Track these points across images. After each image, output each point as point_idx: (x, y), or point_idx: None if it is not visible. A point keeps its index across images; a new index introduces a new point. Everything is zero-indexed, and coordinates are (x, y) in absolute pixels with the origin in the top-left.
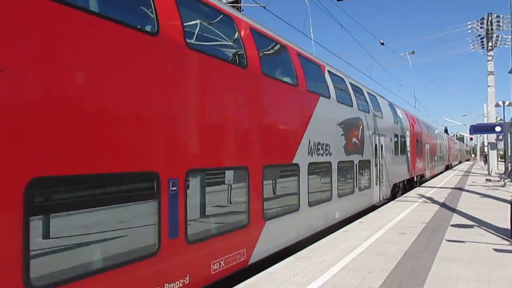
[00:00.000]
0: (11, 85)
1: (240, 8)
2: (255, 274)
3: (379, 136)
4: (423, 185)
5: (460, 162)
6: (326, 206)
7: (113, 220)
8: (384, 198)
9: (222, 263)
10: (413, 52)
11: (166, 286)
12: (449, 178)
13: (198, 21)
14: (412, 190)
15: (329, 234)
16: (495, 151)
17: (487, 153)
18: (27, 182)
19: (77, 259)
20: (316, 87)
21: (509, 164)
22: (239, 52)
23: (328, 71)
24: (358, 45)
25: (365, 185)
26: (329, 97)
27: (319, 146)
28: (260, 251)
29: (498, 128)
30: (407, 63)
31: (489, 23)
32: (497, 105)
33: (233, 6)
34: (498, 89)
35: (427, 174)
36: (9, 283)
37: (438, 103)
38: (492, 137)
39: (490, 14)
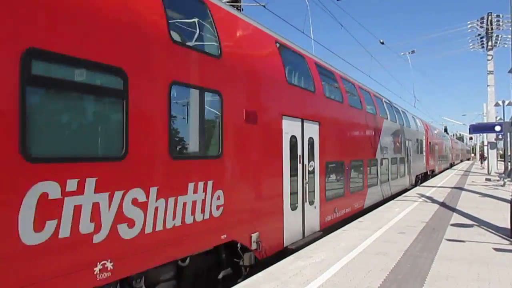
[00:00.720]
0: (326, 129)
1: (240, 7)
2: (255, 273)
3: (408, 141)
4: (422, 184)
5: (461, 161)
6: (386, 184)
7: (343, 180)
8: (412, 184)
9: (357, 205)
10: (412, 52)
11: (346, 209)
12: (449, 178)
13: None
14: (412, 189)
15: (330, 233)
16: (494, 151)
17: (482, 152)
18: (324, 163)
19: (335, 190)
20: (382, 113)
21: (509, 163)
22: (372, 108)
23: (385, 101)
24: (358, 44)
25: (402, 174)
26: (387, 118)
27: (383, 148)
28: (366, 204)
29: (497, 128)
30: (407, 63)
31: (489, 23)
32: (496, 104)
33: (232, 5)
34: (498, 89)
35: (436, 169)
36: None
37: (438, 103)
38: (491, 137)
39: (490, 14)
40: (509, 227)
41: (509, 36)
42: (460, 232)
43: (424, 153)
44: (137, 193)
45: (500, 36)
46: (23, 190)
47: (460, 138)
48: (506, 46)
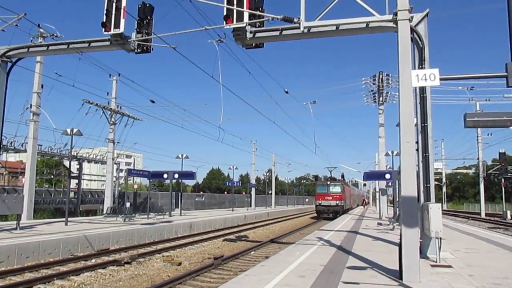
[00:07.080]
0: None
1: (150, 47)
2: None
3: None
4: (321, 228)
5: (357, 206)
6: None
7: None
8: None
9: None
10: (314, 102)
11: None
12: (345, 222)
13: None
14: (312, 233)
15: (232, 278)
16: (385, 197)
17: (364, 199)
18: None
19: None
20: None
21: (397, 209)
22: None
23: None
24: (265, 91)
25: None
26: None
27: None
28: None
29: (387, 176)
30: (309, 112)
31: (380, 80)
32: (387, 154)
33: (142, 45)
34: (388, 140)
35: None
36: None
37: (336, 151)
38: (383, 184)
39: (381, 72)
40: (397, 268)
41: (397, 93)
42: (355, 274)
43: (359, 197)
44: None
45: (389, 92)
46: None
47: (355, 184)
48: (394, 102)
